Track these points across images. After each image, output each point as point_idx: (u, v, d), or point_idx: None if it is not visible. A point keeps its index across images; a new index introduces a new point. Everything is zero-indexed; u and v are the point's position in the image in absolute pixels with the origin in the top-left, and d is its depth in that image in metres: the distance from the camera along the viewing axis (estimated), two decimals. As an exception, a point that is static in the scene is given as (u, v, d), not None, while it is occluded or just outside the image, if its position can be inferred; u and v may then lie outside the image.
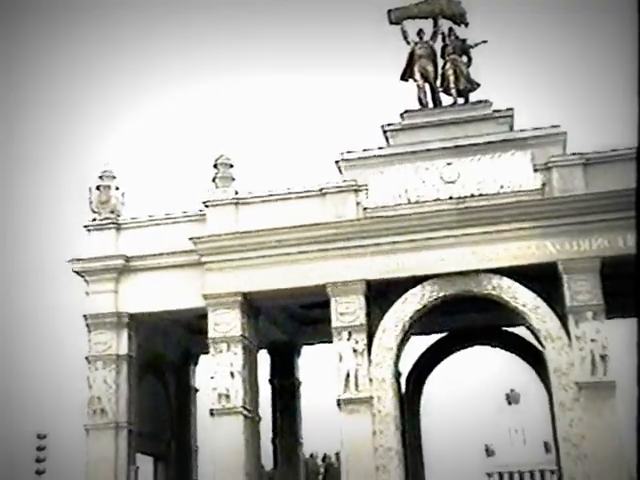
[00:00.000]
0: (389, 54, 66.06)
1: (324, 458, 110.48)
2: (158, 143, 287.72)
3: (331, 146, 72.76)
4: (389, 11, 64.52)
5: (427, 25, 64.51)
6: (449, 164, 58.69)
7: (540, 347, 60.30)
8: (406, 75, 63.76)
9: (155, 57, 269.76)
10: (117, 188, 65.95)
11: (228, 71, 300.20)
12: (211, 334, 61.10)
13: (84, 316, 63.65)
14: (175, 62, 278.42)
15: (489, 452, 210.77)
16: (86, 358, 63.40)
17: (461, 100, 63.28)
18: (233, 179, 63.75)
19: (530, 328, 60.43)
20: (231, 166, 64.14)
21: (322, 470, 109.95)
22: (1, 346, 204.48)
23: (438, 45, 64.57)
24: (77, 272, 64.07)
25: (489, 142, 58.87)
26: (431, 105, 63.57)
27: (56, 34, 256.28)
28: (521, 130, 60.13)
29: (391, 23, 64.25)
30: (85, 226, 65.11)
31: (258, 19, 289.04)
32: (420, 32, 64.69)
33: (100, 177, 66.12)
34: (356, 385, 58.19)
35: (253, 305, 62.98)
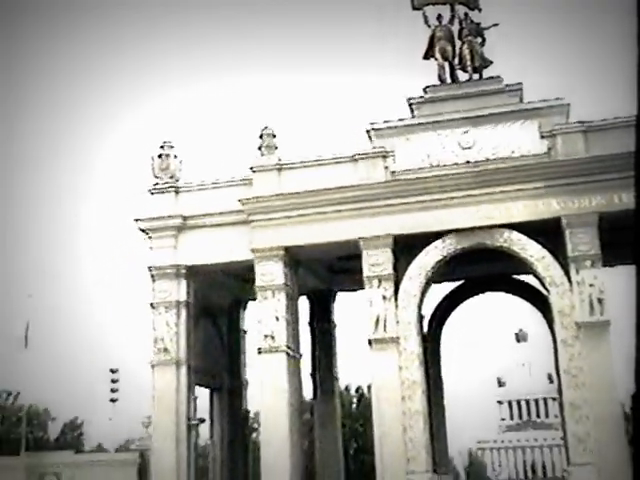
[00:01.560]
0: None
1: (357, 390, 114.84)
2: (211, 117, 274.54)
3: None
4: (412, -3, 69.83)
5: (445, 11, 69.57)
6: (466, 132, 63.55)
7: (545, 292, 64.95)
8: (428, 55, 68.48)
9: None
10: (175, 156, 71.73)
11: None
12: (258, 283, 66.72)
13: (149, 268, 69.89)
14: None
15: (500, 383, 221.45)
16: (151, 304, 69.68)
17: (476, 76, 67.77)
18: (276, 147, 68.94)
19: (537, 275, 65.13)
20: (274, 136, 69.27)
21: (355, 400, 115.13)
22: (84, 297, 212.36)
23: (455, 28, 69.28)
24: (142, 230, 70.35)
25: (501, 113, 63.49)
26: (450, 81, 68.41)
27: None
28: (529, 102, 64.61)
29: (414, 9, 69.26)
30: (148, 190, 71.16)
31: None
32: (439, 17, 69.36)
33: (161, 147, 71.73)
34: (385, 327, 63.49)
35: (294, 257, 68.11)
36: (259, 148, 69.27)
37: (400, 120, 66.61)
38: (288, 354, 66.59)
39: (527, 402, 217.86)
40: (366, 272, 64.63)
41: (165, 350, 68.53)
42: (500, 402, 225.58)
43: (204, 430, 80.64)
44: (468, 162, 63.29)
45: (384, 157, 65.56)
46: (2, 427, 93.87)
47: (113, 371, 76.88)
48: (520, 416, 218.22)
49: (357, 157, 66.25)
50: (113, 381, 76.87)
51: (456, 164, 63.50)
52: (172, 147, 72.20)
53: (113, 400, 77.45)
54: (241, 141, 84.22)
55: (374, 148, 66.10)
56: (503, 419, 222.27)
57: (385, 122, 66.53)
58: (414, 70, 68.83)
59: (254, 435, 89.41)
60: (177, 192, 71.07)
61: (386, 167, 65.40)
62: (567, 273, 60.55)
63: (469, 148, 63.71)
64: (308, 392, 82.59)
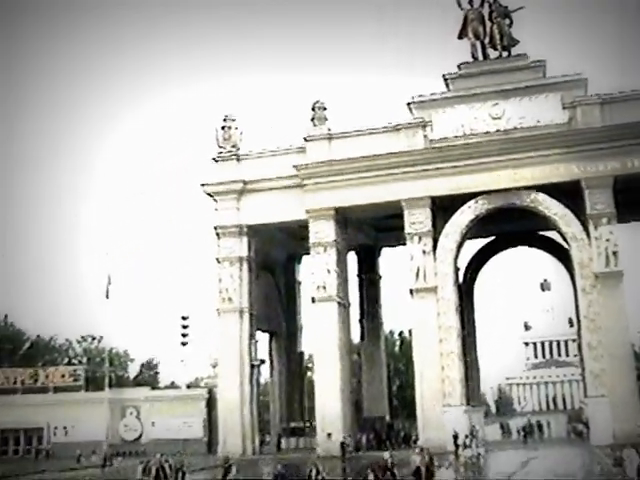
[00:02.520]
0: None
1: (400, 334, 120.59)
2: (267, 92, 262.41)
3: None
4: (448, -16, 74.46)
5: (477, -5, 74.39)
6: (496, 104, 68.81)
7: (567, 246, 70.43)
8: (462, 34, 73.38)
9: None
10: (236, 128, 78.12)
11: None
12: (311, 240, 73.04)
13: (214, 227, 76.52)
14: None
15: (526, 327, 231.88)
16: (216, 259, 76.37)
17: (505, 54, 72.63)
18: (326, 119, 74.70)
19: (559, 231, 70.72)
20: (325, 109, 74.96)
21: (398, 343, 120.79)
22: (158, 254, 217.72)
23: (486, 10, 74.18)
24: (208, 194, 77.14)
25: (527, 86, 68.52)
26: (481, 58, 73.33)
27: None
28: (552, 77, 69.61)
29: (449, -7, 74.63)
30: (213, 158, 77.71)
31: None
32: (471, 1, 74.41)
33: (224, 119, 78.18)
34: (424, 278, 69.54)
35: (343, 217, 74.18)
36: (311, 119, 74.75)
37: (437, 94, 71.84)
38: (338, 302, 72.91)
39: (550, 343, 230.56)
40: (407, 229, 70.56)
41: (229, 300, 75.30)
42: (526, 343, 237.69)
43: (265, 370, 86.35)
44: (498, 131, 68.54)
45: (423, 127, 71.03)
46: (89, 367, 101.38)
47: (184, 318, 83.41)
48: (543, 355, 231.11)
49: (399, 127, 71.81)
50: (184, 327, 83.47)
51: (487, 133, 68.84)
52: (234, 120, 78.35)
53: (184, 344, 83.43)
54: (295, 114, 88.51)
55: (414, 119, 71.53)
56: (528, 358, 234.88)
57: (424, 96, 71.74)
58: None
59: (309, 374, 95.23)
60: (238, 159, 77.30)
61: (425, 136, 70.89)
62: (586, 229, 65.87)
63: (499, 118, 68.84)
64: (356, 336, 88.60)
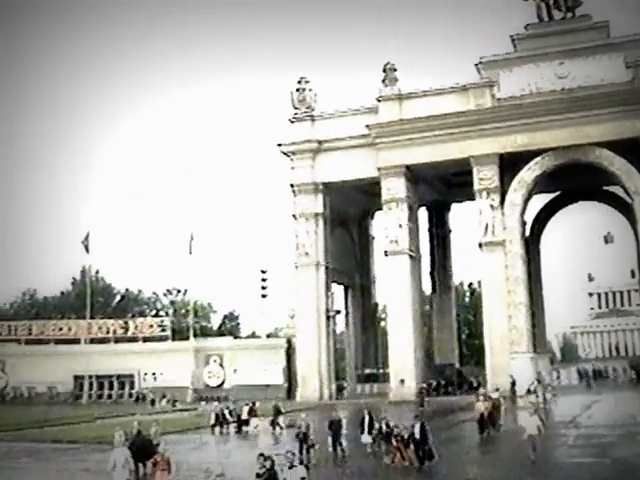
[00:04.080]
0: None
1: (469, 285, 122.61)
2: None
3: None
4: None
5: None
6: (561, 63, 70.81)
7: (629, 200, 72.18)
8: None
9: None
10: (310, 90, 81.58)
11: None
12: (383, 196, 76.12)
13: (291, 185, 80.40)
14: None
15: (590, 278, 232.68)
16: (293, 215, 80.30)
17: (569, 15, 74.21)
18: (397, 80, 77.40)
19: (622, 186, 72.42)
20: (395, 70, 77.66)
21: (467, 294, 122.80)
22: (237, 211, 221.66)
23: None
24: (284, 153, 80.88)
25: (591, 46, 70.29)
26: (547, 19, 74.89)
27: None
28: (615, 37, 71.24)
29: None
30: (289, 119, 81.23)
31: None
32: None
33: (298, 82, 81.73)
34: (493, 232, 72.17)
35: (414, 174, 77.13)
36: (383, 81, 77.65)
37: (504, 54, 74.07)
38: (410, 256, 76.13)
39: (613, 294, 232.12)
40: (476, 185, 73.17)
41: (306, 254, 79.12)
42: (590, 294, 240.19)
43: (340, 320, 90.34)
44: (563, 89, 70.50)
45: (490, 86, 73.46)
46: (174, 318, 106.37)
47: (263, 272, 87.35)
48: (607, 305, 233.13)
49: (468, 87, 74.39)
50: (263, 280, 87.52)
51: (553, 91, 70.84)
52: (308, 82, 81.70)
53: (264, 296, 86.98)
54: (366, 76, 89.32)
55: (482, 79, 74.00)
56: (592, 308, 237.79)
57: (491, 56, 74.05)
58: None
59: (382, 324, 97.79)
60: (313, 120, 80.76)
61: (492, 95, 73.28)
62: (648, 183, 67.71)
63: (564, 77, 70.81)
64: (427, 288, 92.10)
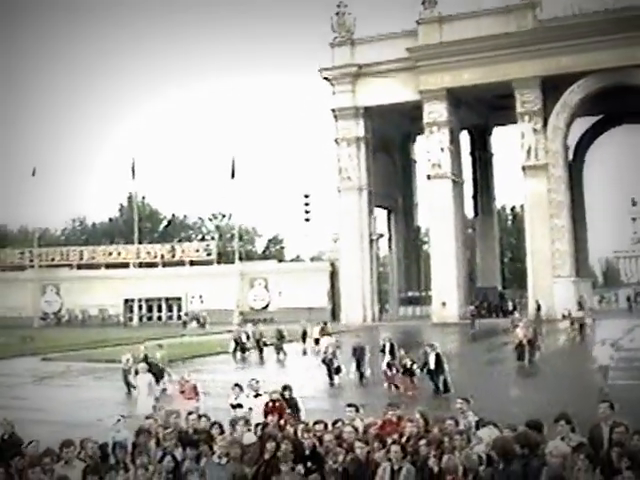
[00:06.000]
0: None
1: (512, 209, 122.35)
2: None
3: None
4: None
5: None
6: None
7: None
8: None
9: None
10: (349, 14, 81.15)
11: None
12: (425, 120, 76.22)
13: (332, 110, 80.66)
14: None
15: (634, 203, 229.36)
16: (335, 140, 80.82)
17: None
18: (436, 2, 76.52)
19: None
20: None
21: (510, 218, 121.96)
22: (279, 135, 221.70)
23: None
24: (325, 78, 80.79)
25: None
26: None
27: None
28: None
29: None
30: (329, 44, 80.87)
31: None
32: None
33: (337, 5, 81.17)
34: (536, 155, 72.18)
35: (456, 97, 76.68)
36: (422, 3, 76.76)
37: None
38: (452, 180, 76.49)
39: None
40: (519, 109, 72.79)
41: (349, 178, 79.89)
42: (633, 219, 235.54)
43: (383, 244, 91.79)
44: (607, 10, 68.94)
45: (532, 7, 72.40)
46: (220, 242, 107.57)
47: (306, 196, 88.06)
48: None
49: (510, 8, 73.32)
50: (306, 204, 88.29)
51: (596, 12, 69.37)
52: (346, 6, 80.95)
53: (307, 220, 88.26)
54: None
55: (523, 0, 72.65)
56: (635, 232, 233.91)
57: None
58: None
59: (424, 247, 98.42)
60: (353, 44, 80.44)
61: (534, 16, 72.24)
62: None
63: None
64: (470, 212, 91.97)
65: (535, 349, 36.65)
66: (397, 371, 28.72)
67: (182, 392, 21.43)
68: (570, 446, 11.06)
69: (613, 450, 10.71)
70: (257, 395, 17.44)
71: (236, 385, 18.49)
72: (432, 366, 27.75)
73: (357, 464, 11.59)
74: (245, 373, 37.93)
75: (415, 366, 28.18)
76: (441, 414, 14.04)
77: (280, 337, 45.42)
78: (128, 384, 30.29)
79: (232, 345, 45.77)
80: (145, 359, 29.68)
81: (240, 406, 15.37)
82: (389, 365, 29.31)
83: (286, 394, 17.33)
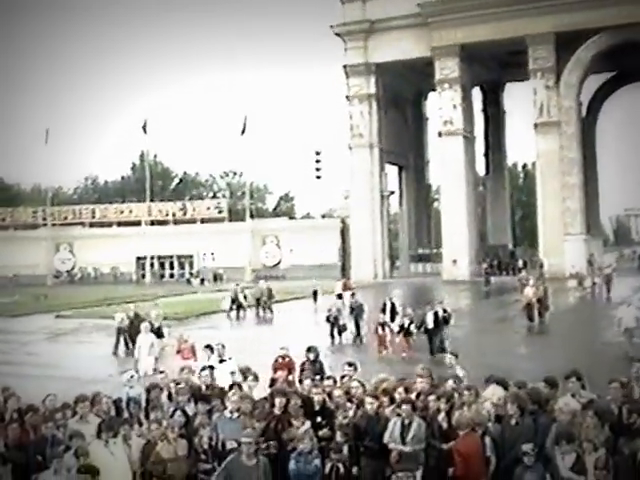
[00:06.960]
0: None
1: (523, 166, 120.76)
2: None
3: None
4: None
5: None
6: None
7: None
8: None
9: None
10: None
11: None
12: (437, 76, 75.66)
13: (343, 66, 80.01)
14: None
15: None
16: (346, 97, 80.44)
17: None
18: None
19: None
20: None
21: (521, 175, 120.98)
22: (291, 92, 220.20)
23: None
24: (337, 34, 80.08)
25: None
26: None
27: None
28: None
29: None
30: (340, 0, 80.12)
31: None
32: None
33: None
34: (548, 112, 71.59)
35: (468, 53, 75.59)
36: (434, -43, 75.35)
37: None
38: (464, 136, 76.06)
39: None
40: (531, 65, 72.16)
41: (360, 135, 79.61)
42: None
43: (394, 200, 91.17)
44: (622, -35, 67.49)
45: (547, -38, 70.90)
46: (231, 200, 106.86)
47: (317, 153, 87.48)
48: None
49: (523, -38, 71.85)
50: (317, 161, 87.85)
51: (611, -33, 67.89)
52: (357, -39, 79.67)
53: (318, 177, 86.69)
54: None
55: (537, -46, 71.27)
56: None
57: None
58: None
59: (435, 204, 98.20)
60: (364, 0, 79.36)
61: (548, -29, 70.79)
62: None
63: None
64: (481, 169, 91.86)
65: (544, 308, 36.25)
66: (391, 331, 28.33)
67: (179, 352, 21.29)
68: (580, 403, 11.15)
69: (624, 406, 10.79)
70: (222, 361, 17.13)
71: (207, 346, 18.11)
72: (430, 325, 27.30)
73: (367, 419, 11.68)
74: (245, 331, 38.56)
75: (412, 326, 27.73)
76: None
77: (269, 296, 45.62)
78: (117, 343, 30.41)
79: (227, 303, 45.02)
80: (137, 317, 29.70)
81: (212, 367, 15.23)
82: (382, 324, 28.58)
83: (310, 356, 17.20)
